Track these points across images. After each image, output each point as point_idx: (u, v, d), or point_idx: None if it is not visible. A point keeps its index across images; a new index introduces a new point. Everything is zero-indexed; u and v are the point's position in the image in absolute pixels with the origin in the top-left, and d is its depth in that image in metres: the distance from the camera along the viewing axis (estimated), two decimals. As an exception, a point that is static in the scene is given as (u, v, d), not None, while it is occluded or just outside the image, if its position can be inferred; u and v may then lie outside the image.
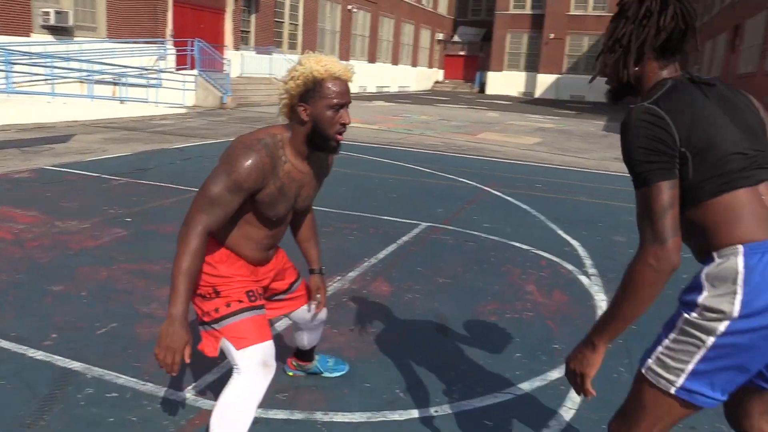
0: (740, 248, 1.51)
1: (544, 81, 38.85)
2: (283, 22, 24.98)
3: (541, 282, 4.62)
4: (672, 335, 1.60)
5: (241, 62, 21.39)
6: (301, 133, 2.10)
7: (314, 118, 2.06)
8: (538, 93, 38.94)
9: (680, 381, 1.57)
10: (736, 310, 1.49)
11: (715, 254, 1.56)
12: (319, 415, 2.70)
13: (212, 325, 2.16)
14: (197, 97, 17.69)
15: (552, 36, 37.96)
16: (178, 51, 17.96)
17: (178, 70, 17.67)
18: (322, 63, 2.03)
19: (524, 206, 7.17)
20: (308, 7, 26.38)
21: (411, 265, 4.80)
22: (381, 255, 5.00)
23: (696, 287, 1.57)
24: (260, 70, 22.01)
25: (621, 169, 11.06)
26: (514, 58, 40.22)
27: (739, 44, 19.18)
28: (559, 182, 9.08)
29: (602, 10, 37.35)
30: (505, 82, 40.15)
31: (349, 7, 30.12)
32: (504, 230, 6.01)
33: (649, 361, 1.64)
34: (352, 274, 4.50)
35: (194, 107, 17.27)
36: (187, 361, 1.98)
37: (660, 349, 1.62)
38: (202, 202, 2.00)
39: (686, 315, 1.57)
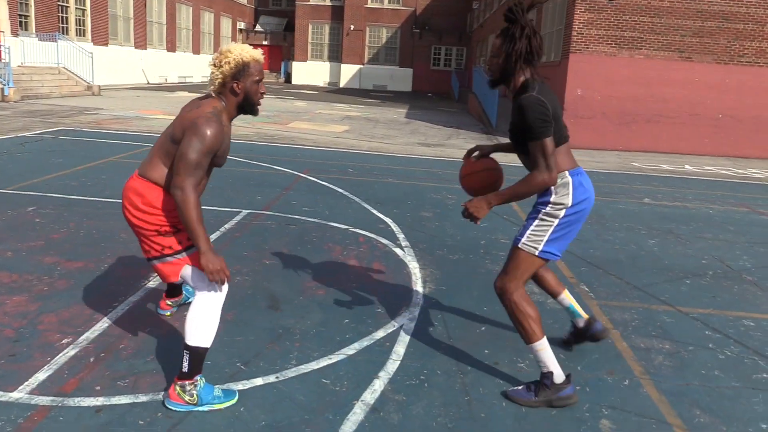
0: (567, 173, 2.87)
1: (348, 71, 40.04)
2: (68, 6, 22.93)
3: (361, 256, 5.01)
4: (535, 222, 2.89)
5: (23, 50, 19.32)
6: (234, 103, 2.78)
7: (245, 91, 2.75)
8: (342, 83, 40.03)
9: (540, 246, 2.88)
10: (570, 201, 2.85)
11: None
12: (164, 395, 2.79)
13: (176, 256, 2.76)
14: (-30, 89, 15.74)
15: (352, 27, 39.19)
16: (-59, 37, 15.79)
17: (-57, 58, 15.55)
18: (245, 50, 2.71)
19: (339, 189, 7.56)
20: (96, -9, 24.49)
21: (237, 250, 4.92)
22: (206, 243, 5.05)
23: (547, 193, 2.87)
24: (46, 59, 20.06)
25: (424, 152, 11.98)
26: (317, 48, 40.87)
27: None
28: (368, 166, 9.63)
29: (397, 4, 39.33)
30: (310, 71, 40.67)
31: (143, -8, 28.46)
32: (323, 212, 6.33)
33: (521, 239, 2.91)
34: (178, 263, 4.51)
35: (-32, 100, 15.36)
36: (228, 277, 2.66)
37: (527, 232, 2.90)
38: (187, 169, 2.58)
39: (543, 209, 2.88)
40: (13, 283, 3.99)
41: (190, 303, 3.46)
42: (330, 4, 40.11)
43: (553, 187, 2.86)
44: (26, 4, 20.45)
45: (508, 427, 2.76)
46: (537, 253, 2.88)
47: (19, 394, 2.72)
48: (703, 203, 8.52)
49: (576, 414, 2.90)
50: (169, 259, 2.76)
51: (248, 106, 2.80)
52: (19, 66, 18.49)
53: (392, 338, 3.55)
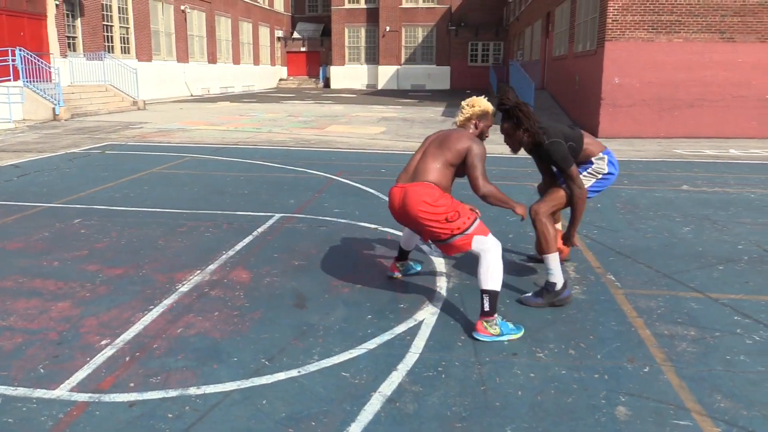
0: (601, 153, 4.28)
1: (386, 72, 40.19)
2: (112, 25, 23.79)
3: (388, 254, 5.11)
4: (582, 174, 4.19)
5: (71, 70, 20.16)
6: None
7: (480, 129, 4.01)
8: (380, 84, 40.21)
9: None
10: (606, 170, 4.29)
11: (593, 158, 4.29)
12: (193, 390, 2.95)
13: (464, 233, 3.64)
14: (25, 110, 16.50)
15: (388, 29, 39.33)
16: (-4, 62, 16.62)
17: (-1, 82, 16.37)
18: (489, 104, 4.01)
19: (371, 190, 7.68)
20: (138, 9, 25.31)
21: (267, 253, 5.09)
22: (238, 247, 5.24)
23: (588, 163, 4.26)
24: (93, 77, 20.87)
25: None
26: (354, 52, 41.16)
27: (551, 30, 21.22)
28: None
29: (431, 2, 39.28)
30: (348, 75, 41.01)
31: (183, 7, 29.26)
32: (353, 213, 6.46)
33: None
34: (211, 267, 4.72)
35: (23, 121, 16.11)
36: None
37: None
38: (481, 172, 3.69)
39: (588, 168, 4.26)
40: (59, 290, 4.24)
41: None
42: (365, 6, 40.35)
43: (593, 158, 4.26)
44: (73, 26, 21.31)
45: (522, 415, 2.81)
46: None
47: (60, 392, 2.93)
48: (745, 188, 8.30)
49: (592, 401, 2.94)
50: (458, 237, 3.64)
51: (479, 138, 4.00)
52: (68, 86, 19.29)
53: (413, 332, 3.64)
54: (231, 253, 5.08)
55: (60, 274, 4.56)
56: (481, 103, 3.97)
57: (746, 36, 13.90)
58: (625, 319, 3.90)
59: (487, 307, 3.55)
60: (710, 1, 13.78)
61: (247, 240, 5.45)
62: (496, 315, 3.56)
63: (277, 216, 6.31)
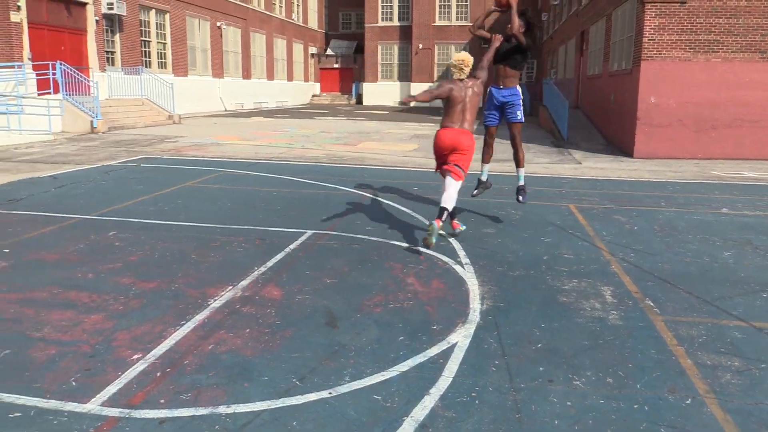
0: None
1: (418, 89, 40.24)
2: (150, 41, 24.33)
3: (420, 274, 5.05)
4: (521, 107, 6.88)
5: (109, 84, 20.62)
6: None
7: (476, 74, 5.98)
8: (413, 102, 40.26)
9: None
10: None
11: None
12: (223, 409, 2.93)
13: (465, 171, 5.80)
14: (64, 122, 16.90)
15: (421, 46, 39.48)
16: (38, 75, 17.07)
17: (40, 95, 16.79)
18: (470, 56, 5.91)
19: (403, 208, 7.64)
20: (175, 25, 25.85)
21: (299, 270, 5.07)
22: (270, 263, 5.23)
23: (518, 93, 6.85)
24: (130, 91, 21.31)
25: (491, 168, 11.87)
26: (387, 69, 41.38)
27: (586, 48, 21.05)
28: (434, 184, 9.64)
29: (464, 21, 39.33)
30: (381, 92, 41.20)
31: (219, 23, 29.80)
32: (385, 231, 6.42)
33: (522, 118, 6.92)
34: (243, 283, 4.71)
35: (62, 133, 16.49)
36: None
37: (521, 113, 6.88)
38: (485, 64, 6.21)
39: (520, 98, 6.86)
40: (92, 302, 4.28)
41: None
42: (398, 24, 40.60)
43: (518, 87, 6.70)
44: (112, 42, 21.84)
45: (559, 445, 2.72)
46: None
47: (91, 406, 2.93)
48: (788, 212, 8.05)
49: (632, 432, 2.83)
50: (464, 172, 5.79)
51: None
52: (106, 99, 19.72)
53: (446, 355, 3.57)
54: (263, 269, 5.08)
55: (94, 286, 4.60)
56: (469, 59, 5.83)
57: (788, 56, 13.57)
58: (665, 347, 3.77)
59: (446, 215, 5.64)
60: (750, 21, 13.52)
61: (279, 256, 5.44)
62: (440, 220, 5.56)
63: (309, 233, 6.30)
